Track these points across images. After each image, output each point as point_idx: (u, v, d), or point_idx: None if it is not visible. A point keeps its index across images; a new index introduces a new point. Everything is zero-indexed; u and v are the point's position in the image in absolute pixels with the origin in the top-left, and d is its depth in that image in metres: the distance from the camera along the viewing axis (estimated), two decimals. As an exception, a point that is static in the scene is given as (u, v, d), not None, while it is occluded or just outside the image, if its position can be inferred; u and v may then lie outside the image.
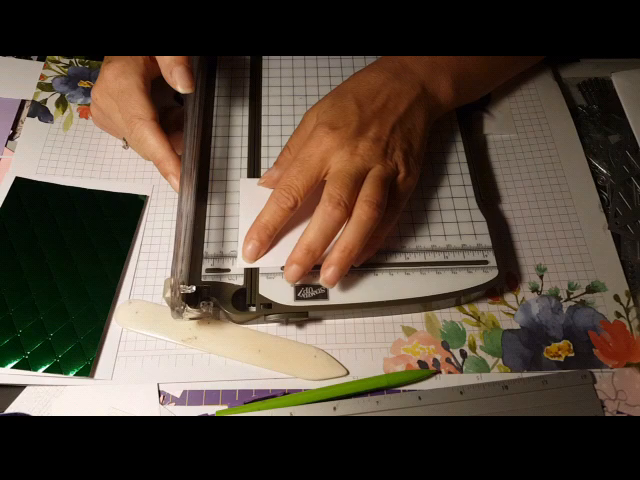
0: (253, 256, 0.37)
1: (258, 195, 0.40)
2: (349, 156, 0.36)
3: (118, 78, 0.40)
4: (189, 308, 0.35)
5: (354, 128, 0.37)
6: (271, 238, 0.37)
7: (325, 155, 0.36)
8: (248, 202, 0.40)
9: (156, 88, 0.43)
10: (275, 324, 0.39)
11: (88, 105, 0.49)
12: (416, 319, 0.39)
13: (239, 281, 0.37)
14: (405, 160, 0.38)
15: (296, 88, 0.47)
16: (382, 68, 0.41)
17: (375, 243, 0.37)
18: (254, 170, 0.42)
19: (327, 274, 0.35)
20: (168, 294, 0.34)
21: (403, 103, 0.39)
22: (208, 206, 0.41)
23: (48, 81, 0.50)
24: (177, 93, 0.46)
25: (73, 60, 0.52)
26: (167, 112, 0.45)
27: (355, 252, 0.35)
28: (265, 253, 0.37)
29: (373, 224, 0.35)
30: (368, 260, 0.38)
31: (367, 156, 0.36)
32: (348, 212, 0.35)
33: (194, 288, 0.35)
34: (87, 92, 0.50)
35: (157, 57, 0.39)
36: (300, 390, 0.36)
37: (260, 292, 0.37)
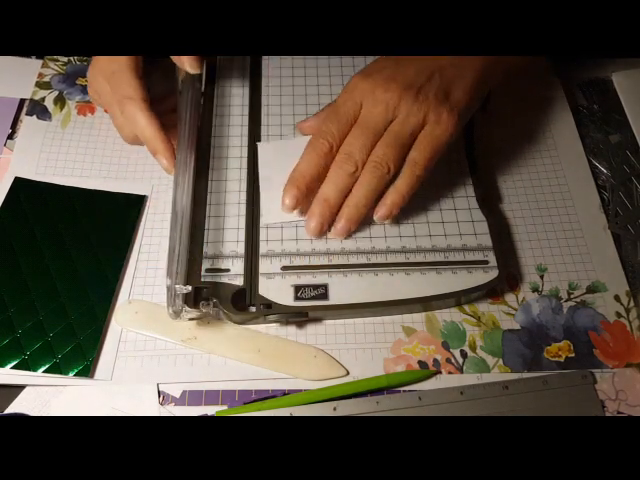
0: (291, 207, 0.37)
1: (278, 159, 0.42)
2: (373, 103, 0.36)
3: (110, 59, 0.41)
4: (188, 308, 0.35)
5: (387, 74, 0.37)
6: (309, 186, 0.37)
7: (356, 99, 0.37)
8: (268, 168, 0.42)
9: (157, 76, 0.44)
10: (275, 324, 0.38)
11: (86, 102, 0.49)
12: (416, 319, 0.39)
13: (239, 281, 0.37)
14: (436, 109, 0.36)
15: (296, 88, 0.47)
16: None
17: (395, 199, 0.37)
18: (254, 170, 0.42)
19: (337, 227, 0.38)
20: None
21: (444, 58, 0.38)
22: (207, 206, 0.41)
23: (46, 79, 0.50)
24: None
25: (71, 58, 0.52)
26: (164, 100, 0.45)
27: (362, 207, 0.37)
28: (306, 203, 0.38)
29: (378, 184, 0.36)
30: (392, 218, 0.38)
31: (392, 104, 0.36)
32: (359, 166, 0.36)
33: (190, 288, 0.35)
34: (85, 89, 0.50)
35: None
36: (300, 390, 0.36)
37: (260, 292, 0.37)
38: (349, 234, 0.39)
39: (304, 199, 0.38)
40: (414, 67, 0.37)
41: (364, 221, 0.39)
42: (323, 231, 0.38)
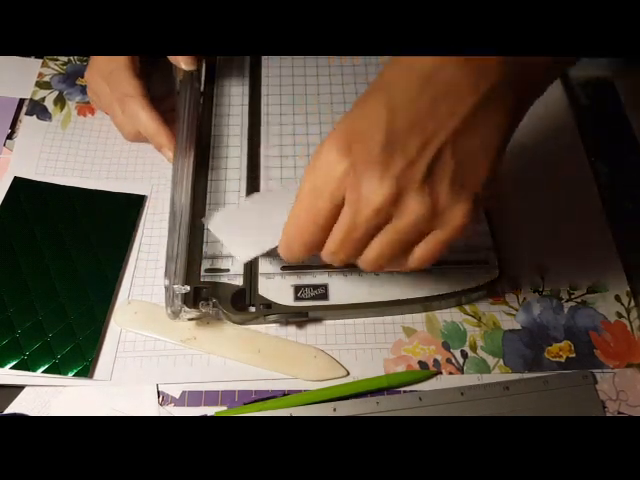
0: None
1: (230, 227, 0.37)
2: (362, 202, 0.26)
3: (108, 59, 0.42)
4: (187, 308, 0.35)
5: (379, 146, 0.25)
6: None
7: (336, 187, 0.26)
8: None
9: (157, 76, 0.45)
10: (275, 324, 0.38)
11: (86, 103, 0.49)
12: (416, 319, 0.39)
13: (238, 281, 0.37)
14: (448, 206, 0.26)
15: (296, 87, 0.47)
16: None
17: (380, 268, 0.30)
18: (253, 171, 0.42)
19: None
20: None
21: (464, 104, 0.26)
22: (207, 206, 0.41)
23: (46, 79, 0.50)
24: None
25: (71, 58, 0.52)
26: (163, 100, 0.45)
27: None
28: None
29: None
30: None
31: (388, 203, 0.26)
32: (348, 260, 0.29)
33: (188, 288, 0.35)
34: (85, 90, 0.50)
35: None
36: (300, 391, 0.36)
37: (259, 292, 0.37)
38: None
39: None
40: (417, 136, 0.26)
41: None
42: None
